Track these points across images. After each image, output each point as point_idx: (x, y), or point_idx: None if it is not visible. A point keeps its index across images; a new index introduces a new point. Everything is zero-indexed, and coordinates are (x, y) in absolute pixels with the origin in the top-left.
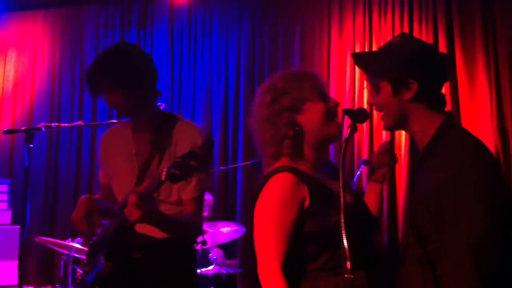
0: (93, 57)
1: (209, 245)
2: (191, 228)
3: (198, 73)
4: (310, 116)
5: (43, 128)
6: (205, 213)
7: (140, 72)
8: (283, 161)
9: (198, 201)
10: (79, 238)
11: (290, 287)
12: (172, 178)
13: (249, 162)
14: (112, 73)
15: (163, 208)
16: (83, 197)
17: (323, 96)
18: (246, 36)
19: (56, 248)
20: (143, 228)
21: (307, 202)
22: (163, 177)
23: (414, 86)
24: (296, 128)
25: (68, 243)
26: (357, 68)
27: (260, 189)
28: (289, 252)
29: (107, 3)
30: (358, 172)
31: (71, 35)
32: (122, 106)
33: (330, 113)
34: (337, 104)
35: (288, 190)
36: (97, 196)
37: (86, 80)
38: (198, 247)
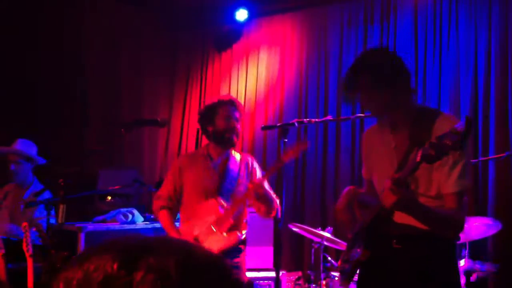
0: (337, 54)
1: (461, 240)
2: (452, 223)
3: (444, 66)
4: None
5: (296, 124)
6: None
7: (395, 69)
8: None
9: (459, 197)
10: (329, 228)
11: None
12: (428, 158)
13: (503, 155)
14: (371, 70)
15: (422, 200)
16: (348, 188)
17: None
18: (497, 21)
19: (308, 236)
20: (402, 218)
21: None
22: (418, 158)
23: None
24: None
25: (319, 231)
26: None
27: None
28: None
29: (351, 1)
30: None
31: (316, 34)
32: (378, 103)
33: None
34: None
35: None
36: (362, 189)
37: (345, 80)
38: None
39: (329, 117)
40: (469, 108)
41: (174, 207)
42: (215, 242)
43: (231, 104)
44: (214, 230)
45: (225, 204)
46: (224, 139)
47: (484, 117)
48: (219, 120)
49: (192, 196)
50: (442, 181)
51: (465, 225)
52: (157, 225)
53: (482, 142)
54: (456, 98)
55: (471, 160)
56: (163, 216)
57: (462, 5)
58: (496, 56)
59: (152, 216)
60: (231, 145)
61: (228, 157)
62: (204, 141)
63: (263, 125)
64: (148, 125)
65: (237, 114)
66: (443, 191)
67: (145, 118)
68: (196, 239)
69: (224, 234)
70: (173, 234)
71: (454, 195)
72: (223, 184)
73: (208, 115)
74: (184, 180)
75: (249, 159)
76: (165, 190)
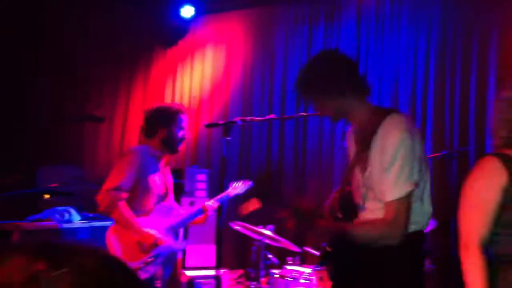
0: (282, 53)
1: None
2: (387, 238)
3: (385, 66)
4: None
5: (239, 122)
6: None
7: (338, 76)
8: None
9: (395, 205)
10: (270, 226)
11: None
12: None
13: (440, 154)
14: (305, 87)
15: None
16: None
17: None
18: (437, 24)
19: (250, 234)
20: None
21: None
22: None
23: None
24: None
25: (260, 229)
26: None
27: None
28: (488, 232)
29: (296, 0)
30: None
31: (262, 33)
32: (327, 110)
33: None
34: None
35: (487, 172)
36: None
37: (294, 88)
38: None
39: (273, 116)
40: (408, 108)
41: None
42: (170, 242)
43: (185, 115)
44: (168, 233)
45: (177, 209)
46: (173, 147)
47: (422, 116)
48: (176, 127)
49: (148, 194)
50: (382, 190)
51: None
52: (95, 223)
53: None
54: (395, 98)
55: (410, 162)
56: (124, 208)
57: (404, 8)
58: (434, 57)
59: (89, 215)
60: (176, 153)
61: (166, 161)
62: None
63: (206, 123)
64: (87, 120)
65: (187, 125)
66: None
67: (83, 114)
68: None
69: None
70: (136, 225)
71: (389, 204)
72: (169, 187)
73: (165, 118)
74: (141, 177)
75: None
76: (123, 182)
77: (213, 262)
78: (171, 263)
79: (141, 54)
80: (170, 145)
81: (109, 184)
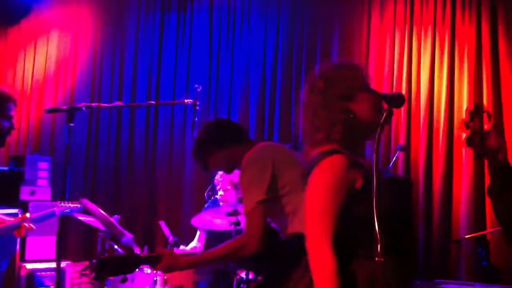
0: (133, 39)
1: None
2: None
3: (236, 60)
4: (362, 106)
5: (83, 108)
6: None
7: (208, 140)
8: (332, 146)
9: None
10: (116, 216)
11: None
12: None
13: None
14: (195, 151)
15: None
16: None
17: (369, 87)
18: (285, 22)
19: (93, 225)
20: None
21: (358, 185)
22: None
23: None
24: (350, 115)
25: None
26: (396, 53)
27: (310, 169)
28: (335, 232)
29: None
30: (394, 158)
31: (113, 18)
32: (219, 166)
33: (378, 104)
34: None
35: (340, 171)
36: None
37: None
38: (232, 227)
39: (120, 103)
40: (257, 102)
41: None
42: None
43: (15, 103)
44: None
45: None
46: (2, 139)
47: (270, 110)
48: (2, 117)
49: None
50: None
51: None
52: None
53: (268, 136)
54: (246, 92)
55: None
56: None
57: (254, 5)
58: (282, 55)
59: None
60: (2, 146)
61: None
62: None
63: (47, 108)
64: None
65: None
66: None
67: None
68: None
69: None
70: None
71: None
72: None
73: None
74: None
75: None
76: None
77: (54, 255)
78: (7, 255)
79: None
80: None
81: None
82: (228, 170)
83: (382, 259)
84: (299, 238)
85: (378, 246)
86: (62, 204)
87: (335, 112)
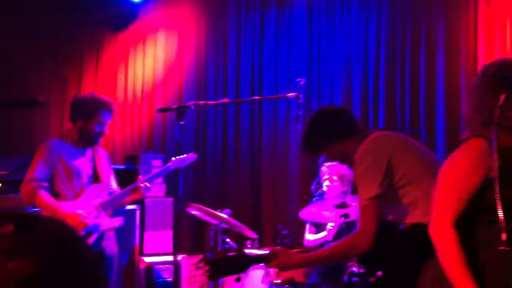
0: (235, 37)
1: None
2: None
3: (337, 51)
4: None
5: (192, 106)
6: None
7: (326, 131)
8: (483, 132)
9: (361, 213)
10: (227, 210)
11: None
12: None
13: None
14: (307, 145)
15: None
16: None
17: None
18: (387, 9)
19: (206, 218)
20: None
21: (493, 173)
22: None
23: None
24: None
25: (217, 213)
26: (508, 42)
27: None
28: (461, 215)
29: None
30: None
31: (215, 17)
32: (332, 157)
33: None
34: None
35: (475, 157)
36: None
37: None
38: (341, 220)
39: (226, 100)
40: (360, 90)
41: (46, 189)
42: (99, 219)
43: (110, 111)
44: (99, 212)
45: (111, 189)
46: (88, 141)
47: (374, 99)
48: (93, 123)
49: (73, 178)
50: None
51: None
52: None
53: (374, 126)
54: (349, 80)
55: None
56: (45, 195)
57: None
58: (385, 40)
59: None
60: (94, 145)
61: (94, 148)
62: None
63: (159, 108)
64: (27, 105)
65: (110, 120)
66: None
67: (21, 98)
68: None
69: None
70: (58, 209)
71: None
72: (101, 170)
73: (83, 110)
74: (60, 164)
75: (106, 153)
76: (37, 173)
77: (171, 248)
78: (127, 250)
79: (91, 38)
80: (85, 138)
81: (26, 177)
82: (343, 162)
83: (507, 248)
84: (422, 227)
85: (503, 235)
86: (175, 158)
87: (496, 97)
